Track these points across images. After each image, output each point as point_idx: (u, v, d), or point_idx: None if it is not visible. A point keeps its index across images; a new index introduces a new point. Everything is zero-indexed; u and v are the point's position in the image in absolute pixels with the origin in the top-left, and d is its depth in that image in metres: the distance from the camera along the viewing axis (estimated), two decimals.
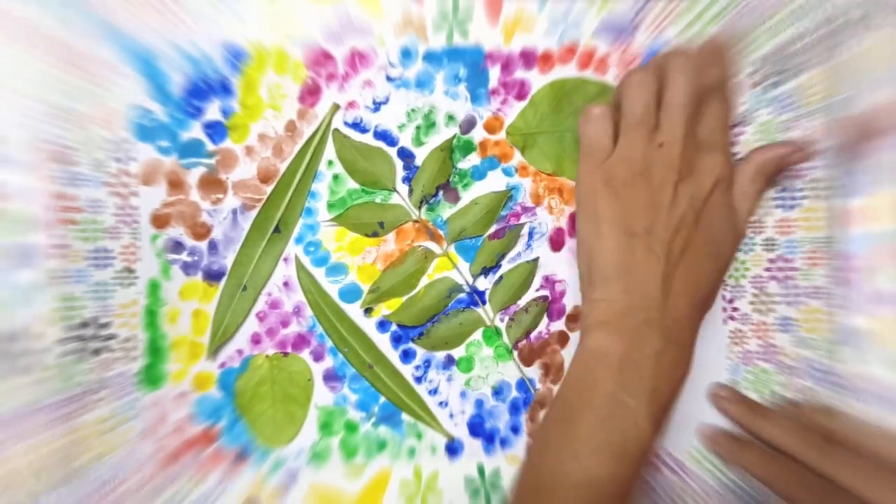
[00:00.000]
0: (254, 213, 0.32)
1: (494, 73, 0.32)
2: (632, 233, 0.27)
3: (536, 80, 0.32)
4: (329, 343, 0.32)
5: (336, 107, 0.32)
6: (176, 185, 0.32)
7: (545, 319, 0.33)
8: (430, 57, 0.32)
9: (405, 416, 0.32)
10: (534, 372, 0.33)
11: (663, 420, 0.27)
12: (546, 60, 0.32)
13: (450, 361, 0.33)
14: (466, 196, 0.32)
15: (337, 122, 0.32)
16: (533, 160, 0.32)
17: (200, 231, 0.32)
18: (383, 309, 0.32)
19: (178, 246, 0.32)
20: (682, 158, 0.27)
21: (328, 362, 0.32)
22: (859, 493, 0.25)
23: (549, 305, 0.33)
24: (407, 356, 0.33)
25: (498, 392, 0.33)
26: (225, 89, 0.32)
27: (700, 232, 0.28)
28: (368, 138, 0.32)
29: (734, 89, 0.31)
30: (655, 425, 0.26)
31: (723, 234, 0.29)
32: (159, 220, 0.31)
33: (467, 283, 0.33)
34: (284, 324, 0.32)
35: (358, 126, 0.32)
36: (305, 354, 0.32)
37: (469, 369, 0.33)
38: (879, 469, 0.26)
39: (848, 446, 0.27)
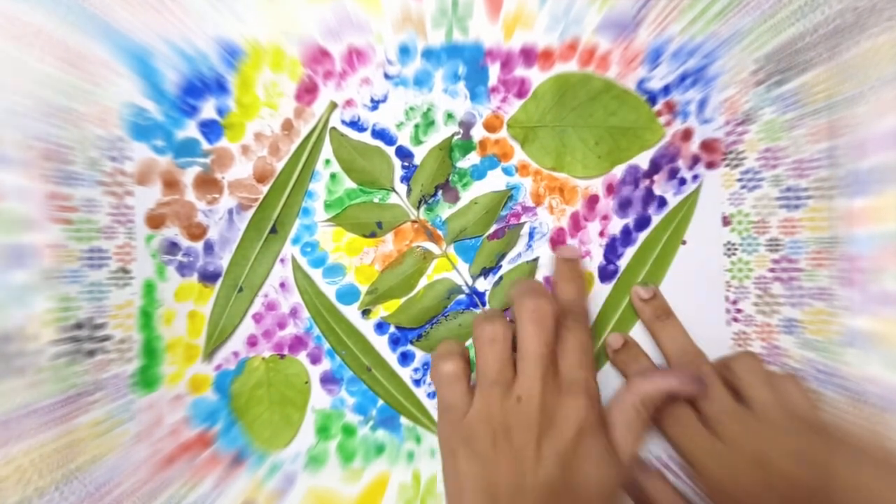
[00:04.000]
0: (250, 213, 0.31)
1: (494, 71, 0.32)
2: (495, 497, 0.25)
3: (537, 77, 0.32)
4: (326, 345, 0.32)
5: (333, 105, 0.32)
6: (171, 184, 0.31)
7: None
8: (428, 54, 0.31)
9: (404, 420, 0.32)
10: None
11: None
12: (547, 58, 0.32)
13: None
14: (466, 196, 0.32)
15: (334, 121, 0.32)
16: (533, 154, 0.32)
17: (196, 231, 0.31)
18: (381, 310, 0.32)
19: (173, 246, 0.31)
20: (542, 411, 0.26)
21: (325, 365, 0.32)
22: None
23: None
24: (405, 358, 0.32)
25: None
26: (220, 87, 0.31)
27: (570, 486, 0.25)
28: (366, 137, 0.32)
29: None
30: None
31: (595, 481, 0.26)
32: (154, 221, 0.31)
33: (467, 285, 0.32)
34: (281, 325, 0.32)
35: (355, 125, 0.32)
36: (302, 357, 0.32)
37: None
38: None
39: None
